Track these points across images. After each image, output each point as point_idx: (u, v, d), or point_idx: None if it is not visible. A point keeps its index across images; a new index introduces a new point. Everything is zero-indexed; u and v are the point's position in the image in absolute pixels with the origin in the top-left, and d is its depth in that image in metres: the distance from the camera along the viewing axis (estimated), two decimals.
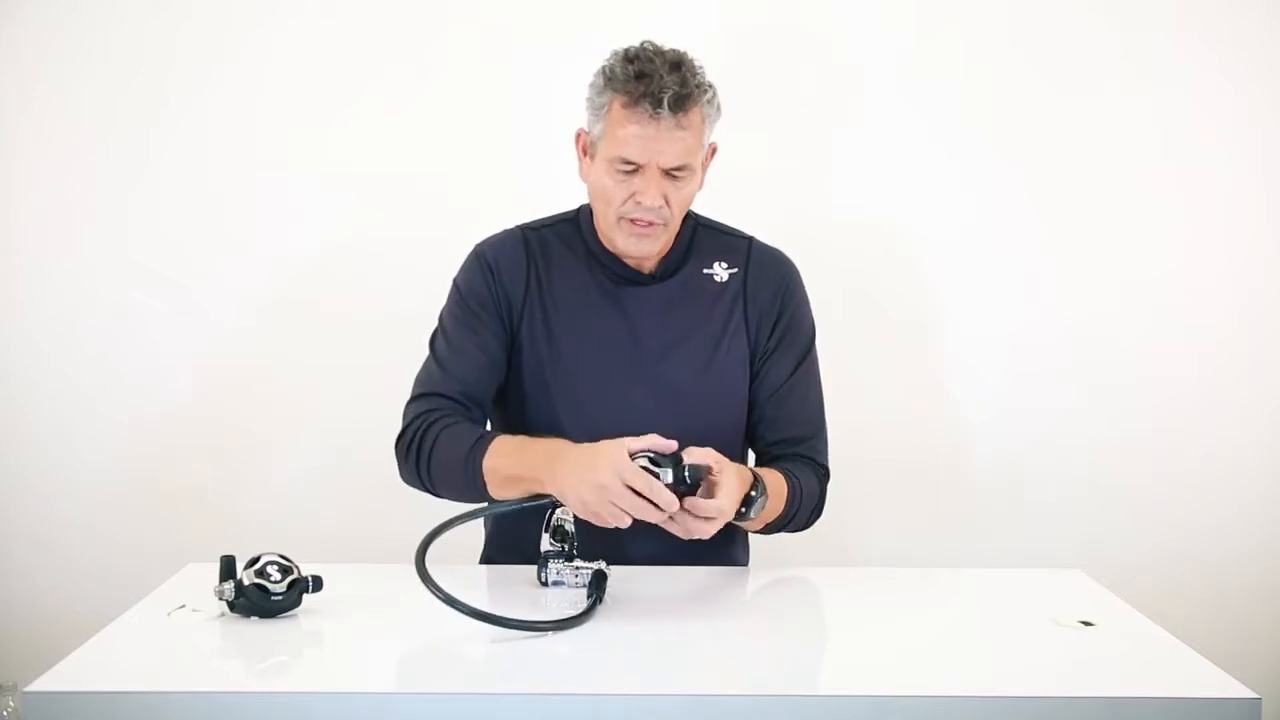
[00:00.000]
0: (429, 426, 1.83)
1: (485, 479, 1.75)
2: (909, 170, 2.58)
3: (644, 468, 1.60)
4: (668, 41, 1.87)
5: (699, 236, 1.98)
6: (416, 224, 2.55)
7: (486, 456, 1.75)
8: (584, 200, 1.96)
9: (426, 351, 1.95)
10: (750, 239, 2.01)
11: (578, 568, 1.71)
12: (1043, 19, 2.55)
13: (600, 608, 1.63)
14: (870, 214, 2.58)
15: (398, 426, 1.90)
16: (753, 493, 1.74)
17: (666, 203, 1.83)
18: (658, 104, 1.77)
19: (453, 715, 1.38)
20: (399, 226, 2.56)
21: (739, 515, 1.73)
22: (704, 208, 2.02)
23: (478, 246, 1.98)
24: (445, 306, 1.97)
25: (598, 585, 1.67)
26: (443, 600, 1.53)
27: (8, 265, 2.57)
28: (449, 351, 1.92)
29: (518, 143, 2.55)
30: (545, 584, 1.72)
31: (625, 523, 1.60)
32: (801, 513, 1.91)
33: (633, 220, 1.84)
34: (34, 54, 2.54)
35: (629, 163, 1.81)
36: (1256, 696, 1.37)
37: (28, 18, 2.53)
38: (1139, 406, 2.60)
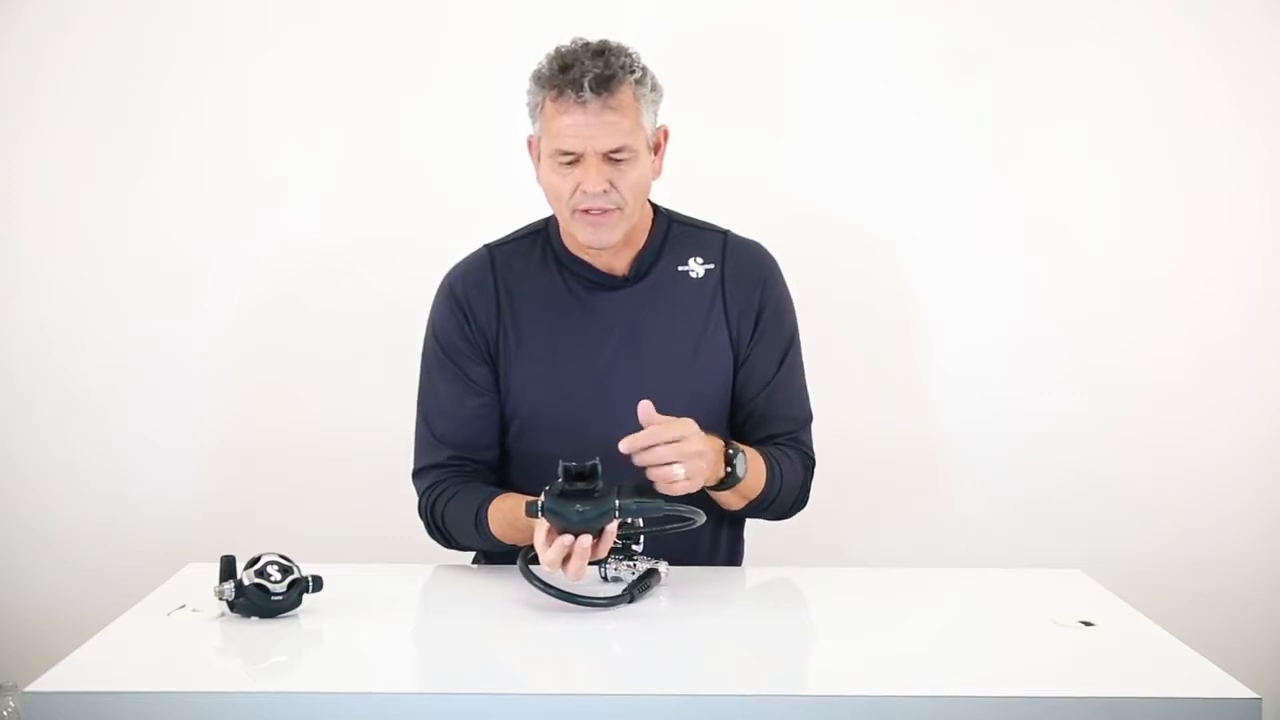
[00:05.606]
0: (434, 503, 1.92)
1: (502, 541, 1.84)
2: (906, 169, 2.57)
3: (553, 485, 1.62)
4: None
5: (672, 233, 1.96)
6: (416, 224, 2.55)
7: (491, 528, 1.85)
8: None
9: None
10: (726, 233, 1.99)
11: (634, 565, 1.72)
12: (1041, 15, 2.54)
13: (597, 608, 1.63)
14: (868, 214, 2.57)
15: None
16: (730, 451, 1.78)
17: (614, 188, 1.82)
18: (579, 89, 1.79)
19: (452, 715, 1.38)
20: (399, 226, 2.56)
21: (728, 477, 1.77)
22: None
23: (448, 278, 1.98)
24: (425, 354, 1.98)
25: (636, 584, 1.68)
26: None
27: (8, 264, 2.57)
28: (436, 411, 1.95)
29: (517, 143, 2.54)
30: (605, 579, 1.72)
31: (584, 561, 1.62)
32: (785, 495, 1.91)
33: (585, 210, 1.83)
34: (33, 54, 2.53)
35: (567, 153, 1.81)
36: (1256, 696, 1.37)
37: (28, 18, 2.52)
38: (1139, 406, 2.59)
